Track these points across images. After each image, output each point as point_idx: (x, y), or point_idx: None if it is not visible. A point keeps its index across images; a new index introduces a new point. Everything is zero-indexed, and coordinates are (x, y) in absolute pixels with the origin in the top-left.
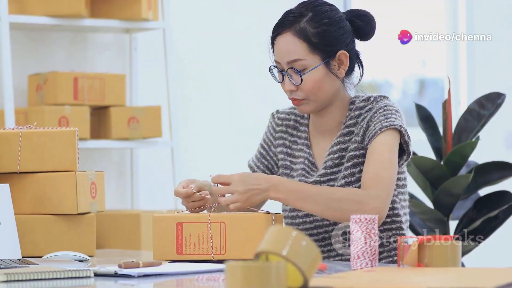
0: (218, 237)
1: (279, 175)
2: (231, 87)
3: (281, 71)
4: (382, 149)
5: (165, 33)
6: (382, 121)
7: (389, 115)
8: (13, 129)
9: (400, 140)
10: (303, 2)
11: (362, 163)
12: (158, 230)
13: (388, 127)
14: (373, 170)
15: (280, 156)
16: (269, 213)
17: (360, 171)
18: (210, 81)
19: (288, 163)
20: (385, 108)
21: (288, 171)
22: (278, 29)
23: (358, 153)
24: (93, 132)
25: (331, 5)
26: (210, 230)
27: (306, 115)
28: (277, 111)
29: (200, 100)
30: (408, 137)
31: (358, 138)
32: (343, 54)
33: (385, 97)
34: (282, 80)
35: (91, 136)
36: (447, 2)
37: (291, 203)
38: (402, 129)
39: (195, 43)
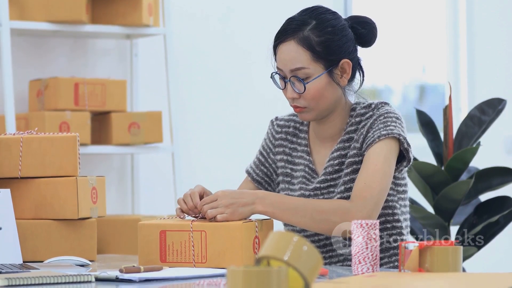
0: (200, 245)
1: (279, 183)
2: (232, 92)
3: (283, 78)
4: (377, 158)
5: (165, 39)
6: (381, 129)
7: (389, 123)
8: (14, 134)
9: (400, 147)
10: (306, 9)
11: None
12: (142, 238)
13: (387, 135)
14: (363, 180)
15: (280, 164)
16: (252, 221)
17: None
18: (211, 86)
19: (288, 170)
20: (385, 115)
21: (289, 179)
22: (281, 37)
23: (357, 159)
24: (94, 138)
25: (334, 13)
26: (192, 238)
27: (305, 122)
28: (276, 118)
29: (201, 105)
30: (408, 144)
31: (358, 145)
32: (346, 63)
33: (386, 103)
34: (284, 87)
35: (92, 142)
36: (447, 3)
37: (278, 216)
38: (401, 137)
39: (195, 49)
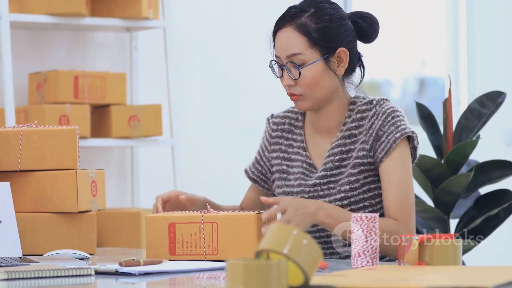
0: (211, 237)
1: (274, 180)
2: (232, 86)
3: (281, 66)
4: (400, 170)
5: (165, 31)
6: (394, 132)
7: (399, 123)
8: (13, 127)
9: (409, 145)
10: None
11: (368, 170)
12: (150, 231)
13: (401, 137)
14: (397, 198)
15: (276, 161)
16: (261, 212)
17: (365, 178)
18: (211, 80)
19: (284, 167)
20: (392, 115)
21: (285, 175)
22: (280, 23)
23: (365, 161)
24: (94, 131)
25: (333, 3)
26: (203, 230)
27: (300, 117)
28: (272, 116)
29: (201, 98)
30: (417, 142)
31: (367, 146)
32: (342, 52)
33: (386, 99)
34: (282, 75)
35: (92, 135)
36: (447, 1)
37: (334, 227)
38: (414, 135)
39: (195, 42)
